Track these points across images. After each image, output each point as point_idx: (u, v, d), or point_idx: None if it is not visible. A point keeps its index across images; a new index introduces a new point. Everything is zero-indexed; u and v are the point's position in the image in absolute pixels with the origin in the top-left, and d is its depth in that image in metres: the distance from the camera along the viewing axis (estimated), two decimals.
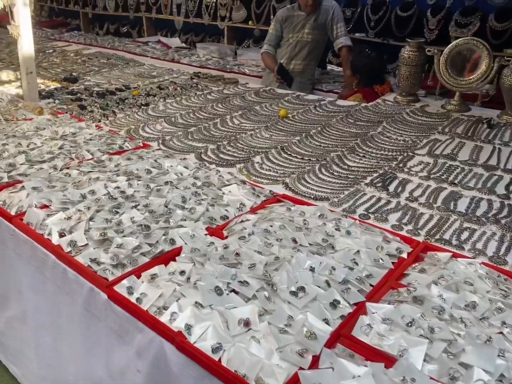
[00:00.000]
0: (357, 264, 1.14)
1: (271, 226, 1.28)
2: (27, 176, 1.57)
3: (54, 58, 3.71)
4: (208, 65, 3.79)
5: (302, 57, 3.30)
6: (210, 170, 1.73)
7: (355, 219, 1.37)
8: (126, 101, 2.56)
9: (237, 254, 1.12)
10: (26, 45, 2.36)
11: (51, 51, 4.00)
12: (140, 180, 1.54)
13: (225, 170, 1.74)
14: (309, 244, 1.20)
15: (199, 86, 2.91)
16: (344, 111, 2.46)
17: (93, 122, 2.20)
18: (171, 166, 1.69)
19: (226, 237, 1.26)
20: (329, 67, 3.92)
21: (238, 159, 1.89)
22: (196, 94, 2.75)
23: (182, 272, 1.08)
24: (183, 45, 4.72)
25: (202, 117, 2.40)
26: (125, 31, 5.59)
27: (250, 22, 4.34)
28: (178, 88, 2.81)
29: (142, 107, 2.50)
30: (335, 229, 1.29)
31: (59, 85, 2.92)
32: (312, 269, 1.09)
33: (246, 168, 1.79)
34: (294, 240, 1.20)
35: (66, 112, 2.34)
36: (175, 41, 4.75)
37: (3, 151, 1.74)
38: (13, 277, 1.43)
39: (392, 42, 3.52)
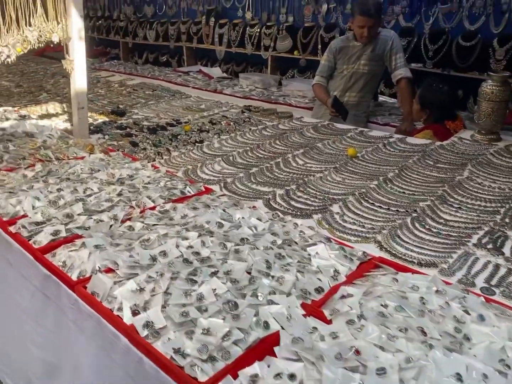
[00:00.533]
0: (509, 367, 0.90)
1: (384, 306, 1.05)
2: (87, 230, 1.40)
3: (99, 89, 3.65)
4: (252, 95, 3.67)
5: (357, 89, 3.13)
6: (286, 222, 1.52)
7: (479, 295, 1.13)
8: (179, 137, 2.41)
9: (357, 351, 0.90)
10: (79, 79, 2.26)
11: (95, 81, 3.96)
12: (212, 236, 1.35)
13: (302, 222, 1.53)
14: (439, 335, 0.97)
15: (252, 121, 2.75)
16: (419, 151, 2.22)
17: (148, 162, 2.04)
18: (243, 217, 1.50)
19: (330, 320, 1.04)
20: (381, 98, 3.73)
21: (313, 207, 1.68)
22: (250, 129, 2.59)
23: (291, 376, 0.86)
24: (225, 75, 4.64)
25: (261, 156, 2.21)
26: (164, 60, 5.58)
27: (295, 52, 4.22)
28: (232, 123, 2.65)
29: (197, 144, 2.34)
30: (463, 311, 1.05)
31: (107, 119, 2.81)
32: (459, 378, 0.85)
33: (326, 220, 1.58)
34: (423, 331, 0.96)
35: (118, 150, 2.20)
36: (216, 71, 4.67)
37: (58, 198, 1.58)
38: (70, 350, 1.24)
39: (452, 73, 3.32)
